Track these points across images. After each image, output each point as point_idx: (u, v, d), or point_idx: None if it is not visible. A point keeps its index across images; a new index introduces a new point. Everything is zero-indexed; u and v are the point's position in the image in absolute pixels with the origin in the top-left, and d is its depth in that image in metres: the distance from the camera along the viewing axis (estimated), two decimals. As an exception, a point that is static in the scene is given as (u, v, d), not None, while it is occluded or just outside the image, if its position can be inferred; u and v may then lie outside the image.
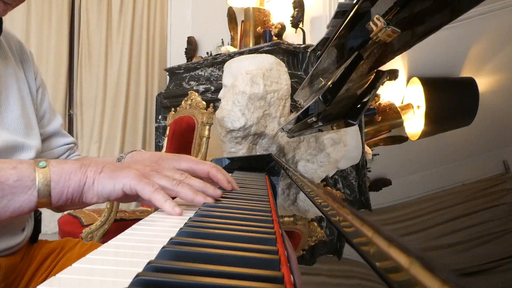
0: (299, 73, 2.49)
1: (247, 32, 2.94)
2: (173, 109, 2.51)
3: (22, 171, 0.50)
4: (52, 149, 0.86)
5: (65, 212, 2.07)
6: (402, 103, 0.67)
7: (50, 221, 3.05)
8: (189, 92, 2.38)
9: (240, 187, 0.69)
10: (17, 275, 0.72)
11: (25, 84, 0.78)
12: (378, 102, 0.73)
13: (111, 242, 0.35)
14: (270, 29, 2.78)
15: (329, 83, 0.58)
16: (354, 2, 0.51)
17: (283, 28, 2.69)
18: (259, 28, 2.86)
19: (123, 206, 2.55)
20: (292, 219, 0.74)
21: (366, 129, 0.80)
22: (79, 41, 3.50)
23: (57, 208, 0.55)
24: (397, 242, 0.15)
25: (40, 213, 0.83)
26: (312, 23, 2.68)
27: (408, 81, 0.62)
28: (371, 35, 0.44)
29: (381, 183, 0.68)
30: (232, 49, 3.01)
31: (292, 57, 2.53)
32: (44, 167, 0.51)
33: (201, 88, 3.03)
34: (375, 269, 0.17)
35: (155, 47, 3.80)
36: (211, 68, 3.08)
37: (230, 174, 0.69)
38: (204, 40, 3.65)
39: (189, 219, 0.44)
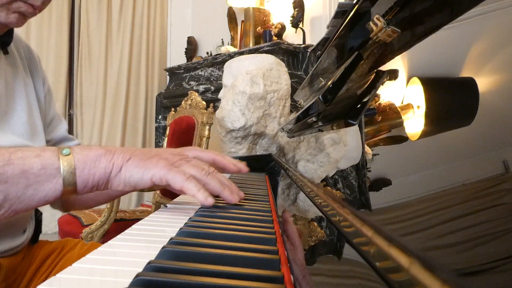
0: (299, 73, 2.49)
1: (247, 32, 2.94)
2: (173, 109, 2.51)
3: (46, 159, 0.49)
4: None
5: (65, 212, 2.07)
6: (402, 103, 0.67)
7: (50, 221, 3.05)
8: (189, 92, 2.38)
9: (240, 187, 0.69)
10: (18, 275, 0.72)
11: (32, 90, 0.79)
12: (378, 102, 0.73)
13: (111, 242, 0.35)
14: (270, 29, 2.78)
15: (329, 83, 0.58)
16: (354, 2, 0.51)
17: (283, 28, 2.69)
18: (259, 28, 2.86)
19: (123, 206, 2.55)
20: (292, 219, 0.74)
21: (366, 129, 0.80)
22: (79, 41, 3.50)
23: (81, 194, 0.53)
24: (397, 242, 0.15)
25: (41, 214, 0.83)
26: (312, 23, 2.68)
27: (408, 81, 0.62)
28: (371, 35, 0.44)
29: (381, 183, 0.68)
30: (232, 49, 3.01)
31: (292, 57, 2.53)
32: (68, 155, 0.50)
33: (201, 88, 3.03)
34: (375, 269, 0.17)
35: (155, 47, 3.80)
36: (211, 68, 3.08)
37: (230, 174, 0.69)
38: (204, 40, 3.65)
39: (189, 219, 0.44)
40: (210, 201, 0.48)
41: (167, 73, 3.64)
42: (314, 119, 0.67)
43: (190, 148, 0.71)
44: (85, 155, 0.51)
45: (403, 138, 0.68)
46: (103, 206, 1.94)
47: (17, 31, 0.82)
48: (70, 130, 3.45)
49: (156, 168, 0.50)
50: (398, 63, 0.62)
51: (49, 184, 0.49)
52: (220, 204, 0.52)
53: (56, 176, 0.49)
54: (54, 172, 0.49)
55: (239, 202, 0.53)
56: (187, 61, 3.50)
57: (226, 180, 0.55)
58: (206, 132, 2.11)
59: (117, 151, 0.52)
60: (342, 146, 1.17)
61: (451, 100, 0.51)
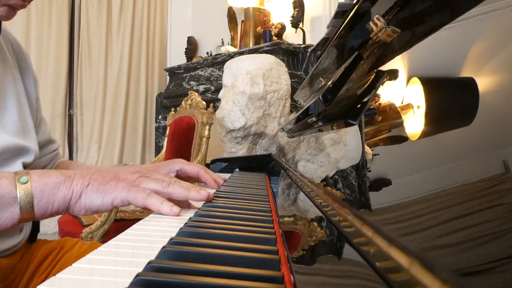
0: (299, 73, 2.49)
1: (247, 32, 2.93)
2: (173, 109, 2.51)
3: (2, 188, 0.48)
4: (43, 157, 0.86)
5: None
6: (402, 103, 0.67)
7: (50, 221, 3.05)
8: (189, 92, 2.38)
9: (240, 187, 0.69)
10: (17, 274, 0.72)
11: (22, 87, 0.77)
12: (378, 102, 0.73)
13: (111, 242, 0.35)
14: (270, 29, 2.78)
15: (329, 83, 0.58)
16: (354, 2, 0.51)
17: (283, 28, 2.69)
18: (259, 28, 2.86)
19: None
20: (292, 219, 0.74)
21: (366, 129, 0.80)
22: (79, 41, 3.50)
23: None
24: (398, 242, 0.15)
25: (40, 213, 0.82)
26: (312, 23, 2.68)
27: (408, 81, 0.62)
28: (371, 35, 0.44)
29: (381, 183, 0.68)
30: (232, 49, 3.01)
31: (292, 57, 2.53)
32: (25, 183, 0.49)
33: (201, 88, 3.03)
34: (375, 269, 0.17)
35: (155, 47, 3.80)
36: (211, 68, 3.08)
37: (230, 174, 0.70)
38: (204, 40, 3.65)
39: (189, 219, 0.44)
40: (175, 210, 0.48)
41: (167, 73, 3.64)
42: (314, 119, 0.67)
43: (175, 161, 0.74)
44: (43, 183, 0.50)
45: (403, 138, 0.68)
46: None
47: (17, 31, 0.81)
48: (70, 130, 3.46)
49: (116, 191, 0.50)
50: (398, 63, 0.62)
51: (6, 212, 0.48)
52: (220, 204, 0.52)
53: (13, 205, 0.48)
54: (11, 201, 0.48)
55: (239, 202, 0.53)
56: (187, 61, 3.50)
57: (189, 184, 0.55)
58: (206, 132, 2.11)
59: (76, 177, 0.52)
60: (342, 146, 1.17)
61: (451, 100, 0.51)
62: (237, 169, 1.04)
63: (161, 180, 0.53)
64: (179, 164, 0.73)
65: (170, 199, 0.51)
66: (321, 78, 0.81)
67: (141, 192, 0.49)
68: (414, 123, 0.62)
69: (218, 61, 2.96)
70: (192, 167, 0.71)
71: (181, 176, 0.73)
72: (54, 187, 0.50)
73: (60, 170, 0.55)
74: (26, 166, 0.70)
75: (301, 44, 2.55)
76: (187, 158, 2.18)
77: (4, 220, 0.48)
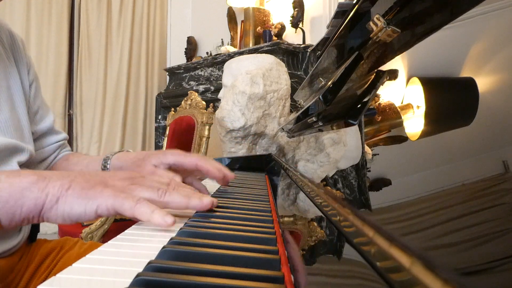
0: (299, 73, 2.49)
1: (247, 32, 2.94)
2: (173, 109, 2.51)
3: None
4: (43, 147, 0.83)
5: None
6: (402, 103, 0.67)
7: (50, 221, 3.05)
8: (189, 92, 2.38)
9: (240, 187, 0.69)
10: (16, 275, 0.72)
11: (16, 80, 0.74)
12: (378, 102, 0.73)
13: (111, 242, 0.35)
14: (270, 29, 2.78)
15: (330, 83, 0.58)
16: (354, 2, 0.51)
17: (283, 28, 2.69)
18: (259, 28, 2.86)
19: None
20: (292, 219, 0.74)
21: (366, 129, 0.80)
22: (79, 41, 3.50)
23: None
24: (399, 242, 0.15)
25: (40, 213, 0.82)
26: (312, 23, 2.68)
27: (408, 81, 0.62)
28: (371, 35, 0.44)
29: (381, 183, 0.68)
30: (232, 49, 3.01)
31: (292, 57, 2.53)
32: None
33: (201, 88, 3.03)
34: (376, 269, 0.17)
35: (155, 47, 3.81)
36: (211, 68, 3.08)
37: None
38: (204, 40, 3.65)
39: (189, 219, 0.44)
40: (169, 221, 0.41)
41: (167, 73, 3.64)
42: (314, 119, 0.67)
43: (172, 153, 0.64)
44: (9, 184, 0.43)
45: (403, 138, 0.68)
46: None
47: (17, 31, 0.79)
48: (70, 130, 3.45)
49: (101, 198, 0.43)
50: (398, 63, 0.62)
51: None
52: (220, 204, 0.52)
53: None
54: None
55: (239, 202, 0.53)
56: (187, 61, 3.50)
57: (190, 189, 0.49)
58: (206, 132, 2.11)
59: (53, 178, 0.44)
60: (342, 146, 1.17)
61: (451, 100, 0.51)
62: (237, 169, 1.04)
63: (156, 187, 0.47)
64: (173, 156, 0.63)
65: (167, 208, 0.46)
66: (321, 78, 0.82)
67: (129, 200, 0.43)
68: (414, 123, 0.62)
69: (218, 61, 2.96)
70: (189, 159, 0.62)
71: (178, 170, 0.64)
72: (22, 187, 0.43)
73: (38, 170, 0.47)
74: (22, 165, 0.70)
75: (301, 44, 2.55)
76: (187, 158, 2.17)
77: None
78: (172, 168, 0.65)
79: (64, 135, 0.88)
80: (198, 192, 0.50)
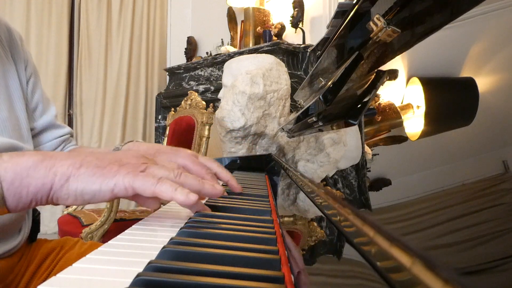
0: (299, 73, 2.49)
1: (247, 32, 2.94)
2: (173, 109, 2.51)
3: None
4: (44, 143, 0.81)
5: (65, 212, 2.07)
6: (402, 103, 0.67)
7: (50, 221, 3.05)
8: (189, 92, 2.38)
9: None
10: (16, 275, 0.71)
11: (15, 78, 0.72)
12: (377, 102, 0.73)
13: (111, 242, 0.35)
14: (270, 29, 2.78)
15: (330, 83, 0.58)
16: (354, 2, 0.51)
17: (283, 28, 2.69)
18: (259, 28, 2.86)
19: (122, 206, 2.55)
20: (292, 219, 0.74)
21: (366, 129, 0.80)
22: (79, 41, 3.50)
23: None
24: (400, 242, 0.15)
25: (39, 213, 0.82)
26: (312, 23, 2.68)
27: (407, 81, 0.62)
28: (371, 35, 0.44)
29: (381, 183, 0.68)
30: (232, 49, 3.01)
31: (292, 57, 2.53)
32: None
33: (201, 88, 3.03)
34: (376, 269, 0.17)
35: (155, 47, 3.81)
36: (211, 68, 3.08)
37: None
38: (204, 40, 3.65)
39: (190, 219, 0.44)
40: (192, 198, 0.41)
41: (167, 73, 3.64)
42: (314, 119, 0.67)
43: (184, 154, 0.59)
44: (14, 163, 0.41)
45: (403, 138, 0.68)
46: (102, 206, 1.94)
47: (17, 29, 0.79)
48: (70, 130, 3.45)
49: (118, 176, 0.41)
50: (398, 63, 0.62)
51: None
52: (220, 204, 0.52)
53: None
54: None
55: (239, 202, 0.53)
56: (187, 61, 3.50)
57: (198, 178, 0.47)
58: (206, 132, 2.11)
59: (60, 157, 0.42)
60: (342, 146, 1.17)
61: (451, 100, 0.51)
62: (236, 169, 1.04)
63: (171, 169, 0.45)
64: (183, 159, 0.58)
65: None
66: (321, 78, 0.82)
67: (150, 177, 0.41)
68: (413, 123, 0.62)
69: (218, 61, 2.96)
70: (197, 169, 0.56)
71: None
72: (29, 166, 0.41)
73: (43, 151, 0.46)
74: None
75: (301, 44, 2.55)
76: (187, 158, 2.17)
77: None
78: None
79: (67, 129, 0.85)
80: (213, 177, 0.51)
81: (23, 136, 0.71)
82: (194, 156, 0.61)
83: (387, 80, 0.58)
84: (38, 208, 0.77)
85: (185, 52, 3.60)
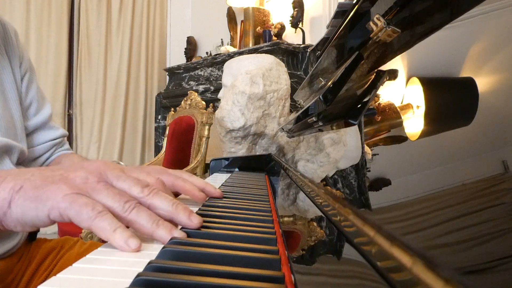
0: (298, 73, 2.49)
1: (246, 32, 2.94)
2: (172, 109, 2.51)
3: None
4: (36, 145, 0.78)
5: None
6: (401, 103, 0.67)
7: (50, 221, 3.04)
8: (188, 92, 2.38)
9: (240, 187, 0.69)
10: (16, 275, 0.71)
11: (9, 75, 0.70)
12: (377, 102, 0.73)
13: (111, 242, 0.35)
14: (270, 29, 2.78)
15: (330, 83, 0.58)
16: (354, 2, 0.51)
17: (282, 28, 2.69)
18: (259, 28, 2.86)
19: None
20: (291, 219, 0.74)
21: (366, 129, 0.80)
22: (79, 41, 3.50)
23: None
24: (400, 242, 0.15)
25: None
26: (311, 23, 2.69)
27: (407, 81, 0.62)
28: (371, 35, 0.44)
29: (380, 183, 0.68)
30: (231, 49, 3.01)
31: (292, 57, 2.53)
32: None
33: (201, 88, 3.03)
34: (376, 269, 0.17)
35: (154, 47, 3.81)
36: (210, 68, 3.08)
37: (229, 174, 0.68)
38: (203, 40, 3.65)
39: (189, 219, 0.44)
40: (132, 245, 0.32)
41: (167, 73, 3.64)
42: (314, 119, 0.67)
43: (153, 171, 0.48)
44: None
45: (402, 138, 0.68)
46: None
47: (16, 29, 0.78)
48: (70, 130, 3.45)
49: (53, 200, 0.34)
50: (397, 63, 0.62)
51: None
52: (220, 204, 0.52)
53: None
54: None
55: (239, 202, 0.53)
56: (186, 61, 3.50)
57: (168, 205, 0.38)
58: (206, 132, 2.11)
59: (7, 178, 0.36)
60: (342, 146, 1.18)
61: (451, 100, 0.51)
62: (236, 169, 1.04)
63: (126, 198, 0.36)
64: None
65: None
66: (321, 78, 0.82)
67: (89, 208, 0.33)
68: (413, 123, 0.62)
69: (218, 61, 2.96)
70: (166, 178, 0.47)
71: None
72: None
73: None
74: (17, 164, 0.69)
75: (300, 44, 2.55)
76: (187, 158, 2.18)
77: None
78: None
79: (61, 131, 0.82)
80: (184, 206, 0.38)
81: (17, 135, 0.70)
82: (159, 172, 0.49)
83: (387, 80, 0.58)
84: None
85: (185, 52, 3.60)
